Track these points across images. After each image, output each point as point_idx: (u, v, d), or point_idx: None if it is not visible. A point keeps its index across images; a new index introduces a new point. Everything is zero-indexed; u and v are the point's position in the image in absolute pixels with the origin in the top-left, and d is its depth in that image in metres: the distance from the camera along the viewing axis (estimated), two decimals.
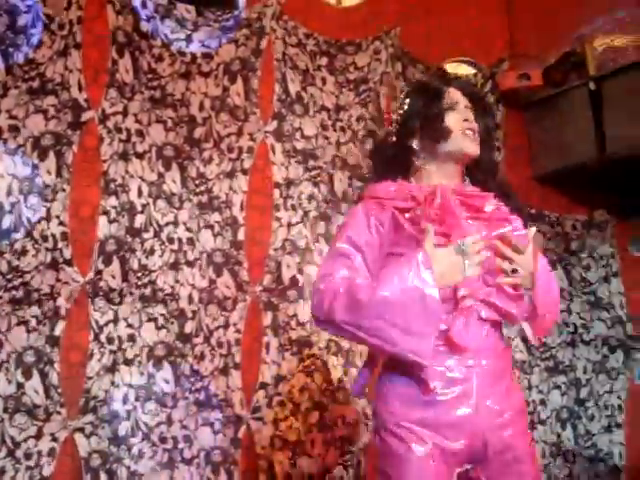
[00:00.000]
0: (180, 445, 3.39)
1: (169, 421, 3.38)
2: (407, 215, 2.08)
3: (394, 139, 2.29)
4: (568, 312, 4.52)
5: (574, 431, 4.45)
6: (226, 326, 3.56)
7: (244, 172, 3.73)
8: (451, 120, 2.19)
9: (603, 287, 4.63)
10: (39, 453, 3.14)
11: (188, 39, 3.73)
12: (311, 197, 3.87)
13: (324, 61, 4.06)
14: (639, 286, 4.60)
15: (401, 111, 2.29)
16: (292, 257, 3.76)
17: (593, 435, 4.50)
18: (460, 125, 2.19)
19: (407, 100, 2.29)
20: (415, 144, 2.22)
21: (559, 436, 4.34)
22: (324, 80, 4.04)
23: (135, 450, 3.28)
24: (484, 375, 2.02)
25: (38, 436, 3.15)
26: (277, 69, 3.92)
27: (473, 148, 2.20)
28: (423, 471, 1.95)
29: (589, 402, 4.53)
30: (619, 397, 4.60)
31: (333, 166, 3.96)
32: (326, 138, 3.96)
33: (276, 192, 3.79)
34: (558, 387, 4.40)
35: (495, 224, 2.13)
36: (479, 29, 4.65)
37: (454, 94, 2.24)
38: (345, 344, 3.78)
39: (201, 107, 3.70)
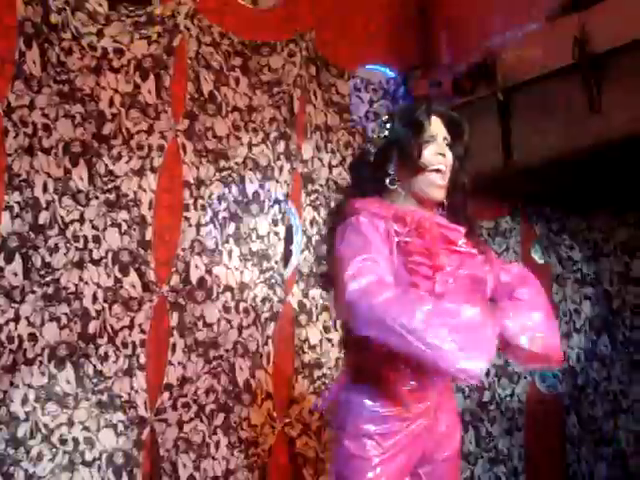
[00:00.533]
0: (81, 447, 3.31)
1: (70, 422, 3.30)
2: (396, 239, 2.12)
3: (372, 159, 2.30)
4: None
5: (476, 434, 4.55)
6: (131, 326, 3.50)
7: (153, 170, 3.67)
8: (427, 153, 2.21)
9: None
10: None
11: (99, 33, 3.64)
12: (221, 198, 3.85)
13: (238, 61, 4.03)
14: None
15: (382, 134, 2.30)
16: (200, 258, 3.73)
17: (494, 437, 4.61)
18: (434, 160, 2.21)
19: (389, 125, 2.30)
20: (391, 170, 2.25)
21: (461, 439, 4.40)
22: (237, 80, 4.01)
23: (34, 452, 3.20)
24: (438, 390, 2.21)
25: None
26: (190, 68, 3.87)
27: (437, 194, 2.24)
28: (380, 472, 2.08)
29: (491, 405, 4.64)
30: (520, 401, 4.73)
31: (244, 167, 3.95)
32: (238, 139, 3.94)
33: (186, 192, 3.76)
34: (462, 390, 4.48)
35: (465, 258, 2.20)
36: (393, 35, 4.70)
37: (435, 124, 2.25)
38: (252, 346, 3.77)
39: (111, 103, 3.62)
